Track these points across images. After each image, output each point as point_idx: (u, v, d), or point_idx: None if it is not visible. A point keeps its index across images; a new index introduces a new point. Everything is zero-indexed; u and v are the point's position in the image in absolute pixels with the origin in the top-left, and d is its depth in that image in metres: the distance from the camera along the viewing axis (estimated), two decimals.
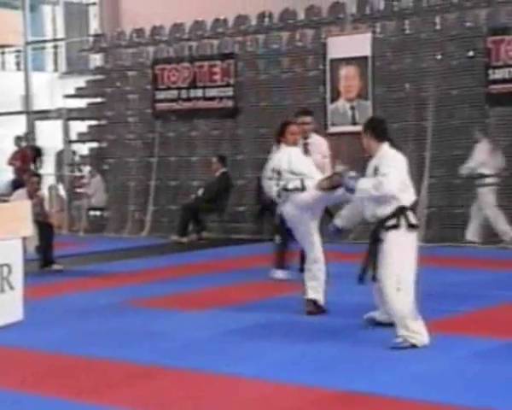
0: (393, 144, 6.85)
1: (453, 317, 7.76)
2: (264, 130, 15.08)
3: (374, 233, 6.70)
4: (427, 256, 11.36)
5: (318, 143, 9.91)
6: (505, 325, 7.47)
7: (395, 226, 6.56)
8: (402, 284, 6.47)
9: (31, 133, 18.35)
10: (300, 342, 6.91)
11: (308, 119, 9.84)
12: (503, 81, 12.71)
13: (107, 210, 17.09)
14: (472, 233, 12.75)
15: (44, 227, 11.39)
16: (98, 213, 17.53)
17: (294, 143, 8.18)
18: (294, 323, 7.59)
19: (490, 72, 12.81)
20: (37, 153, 17.63)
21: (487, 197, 12.61)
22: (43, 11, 23.98)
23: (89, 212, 17.30)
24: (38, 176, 12.33)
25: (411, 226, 6.60)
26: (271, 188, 8.03)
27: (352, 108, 14.13)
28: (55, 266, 11.48)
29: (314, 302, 7.92)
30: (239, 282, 10.12)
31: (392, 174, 6.58)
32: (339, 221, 7.59)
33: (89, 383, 5.98)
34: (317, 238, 8.05)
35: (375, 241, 6.66)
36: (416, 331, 6.52)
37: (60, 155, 18.68)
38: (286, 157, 7.96)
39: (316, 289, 7.97)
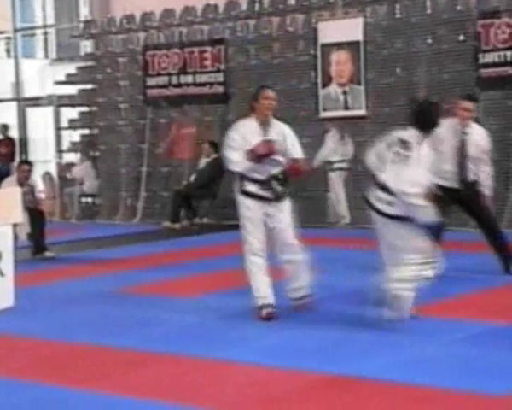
0: None
1: (446, 300, 7.77)
2: None
3: None
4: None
5: (478, 134, 8.86)
6: (498, 308, 7.49)
7: None
8: None
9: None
10: (293, 327, 6.93)
11: (470, 105, 8.79)
12: (494, 65, 12.71)
13: (99, 197, 17.08)
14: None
15: (36, 214, 11.37)
16: (90, 199, 17.51)
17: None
18: (287, 308, 7.59)
19: (480, 56, 12.81)
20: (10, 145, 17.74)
21: (335, 182, 13.78)
22: None
23: (81, 199, 17.28)
24: (29, 164, 12.30)
25: None
26: None
27: (345, 92, 14.12)
28: (47, 254, 11.48)
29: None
30: (231, 267, 10.11)
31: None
32: None
33: (82, 371, 5.98)
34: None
35: None
36: None
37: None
38: None
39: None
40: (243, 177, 7.19)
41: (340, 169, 13.84)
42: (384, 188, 6.74)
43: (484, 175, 8.83)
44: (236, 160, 7.16)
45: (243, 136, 7.23)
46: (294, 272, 7.37)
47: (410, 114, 7.05)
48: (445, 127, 8.62)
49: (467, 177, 8.74)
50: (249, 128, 7.27)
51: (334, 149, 13.79)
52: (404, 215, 6.69)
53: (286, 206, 7.30)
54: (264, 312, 7.19)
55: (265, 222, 7.23)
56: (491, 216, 9.06)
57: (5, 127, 18.20)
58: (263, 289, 7.23)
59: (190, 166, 15.54)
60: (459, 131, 8.66)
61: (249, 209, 7.19)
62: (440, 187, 8.57)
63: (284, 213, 7.27)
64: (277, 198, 7.22)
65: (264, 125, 7.29)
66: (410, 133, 6.86)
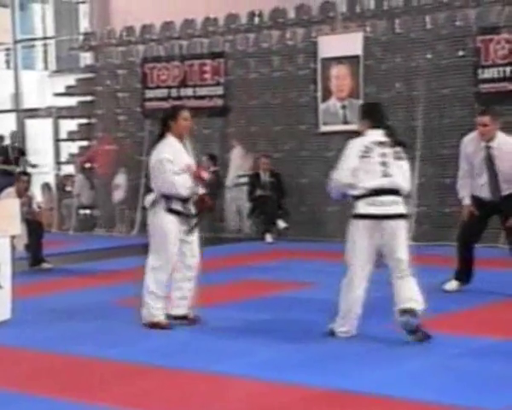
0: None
1: (445, 315, 7.76)
2: (253, 128, 15.09)
3: None
4: (416, 255, 11.38)
5: (505, 147, 8.51)
6: (498, 323, 7.48)
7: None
8: None
9: (18, 132, 18.21)
10: (289, 340, 6.91)
11: (484, 119, 8.56)
12: (493, 80, 12.74)
13: (97, 209, 17.06)
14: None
15: (33, 226, 11.35)
16: (88, 211, 17.49)
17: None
18: (283, 321, 7.58)
19: (479, 71, 12.84)
20: (19, 153, 17.64)
21: (240, 194, 14.70)
22: (33, 9, 23.90)
23: (78, 210, 17.26)
24: (28, 175, 12.29)
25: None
26: None
27: (344, 107, 14.14)
28: (45, 265, 11.46)
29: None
30: (228, 281, 10.11)
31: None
32: None
33: (79, 382, 5.96)
34: None
35: None
36: None
37: None
38: None
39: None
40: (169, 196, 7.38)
41: (243, 184, 14.63)
42: (383, 191, 6.69)
43: None
44: (183, 184, 7.37)
45: (175, 156, 7.45)
46: (190, 290, 7.56)
47: (365, 115, 7.05)
48: (470, 143, 8.69)
49: (499, 191, 8.56)
50: (177, 147, 7.52)
51: (240, 164, 14.68)
52: (406, 213, 6.84)
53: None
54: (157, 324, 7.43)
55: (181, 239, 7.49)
56: None
57: (1, 138, 18.18)
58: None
59: None
60: (483, 146, 8.54)
61: (171, 227, 7.38)
62: (478, 199, 8.63)
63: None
64: (193, 215, 7.50)
65: (181, 142, 7.57)
66: (377, 134, 6.85)
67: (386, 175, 6.70)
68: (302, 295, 9.05)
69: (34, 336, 7.44)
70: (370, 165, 6.69)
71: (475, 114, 12.85)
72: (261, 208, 14.31)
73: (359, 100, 13.90)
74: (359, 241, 6.75)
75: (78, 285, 10.22)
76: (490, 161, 8.52)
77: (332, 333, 6.89)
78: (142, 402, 5.46)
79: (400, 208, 6.78)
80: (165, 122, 7.58)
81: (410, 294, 6.72)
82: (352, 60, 13.97)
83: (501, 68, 12.69)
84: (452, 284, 8.89)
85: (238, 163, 14.74)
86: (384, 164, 6.71)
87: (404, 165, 6.88)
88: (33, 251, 11.43)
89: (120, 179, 16.21)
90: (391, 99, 13.72)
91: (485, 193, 8.63)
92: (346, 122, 14.12)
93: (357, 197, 6.74)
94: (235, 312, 8.06)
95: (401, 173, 6.79)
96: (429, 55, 13.47)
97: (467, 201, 8.72)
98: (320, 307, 7.91)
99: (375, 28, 14.15)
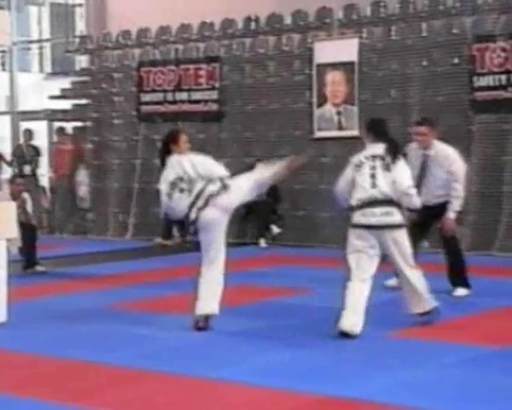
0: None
1: (442, 323, 7.76)
2: (248, 134, 15.09)
3: None
4: (418, 263, 11.38)
5: (440, 155, 8.92)
6: (494, 332, 7.49)
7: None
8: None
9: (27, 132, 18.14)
10: (288, 347, 6.91)
11: (419, 129, 9.02)
12: (488, 88, 12.76)
13: (91, 212, 17.03)
14: None
15: (27, 229, 11.33)
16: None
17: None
18: (282, 328, 7.58)
19: (474, 79, 12.87)
20: (35, 152, 17.60)
21: None
22: (29, 12, 23.89)
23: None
24: (24, 177, 12.27)
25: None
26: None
27: (339, 113, 14.16)
28: (39, 268, 11.44)
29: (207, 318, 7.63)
30: (224, 286, 10.08)
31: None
32: None
33: (73, 387, 5.95)
34: None
35: None
36: None
37: None
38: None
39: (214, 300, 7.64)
40: None
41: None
42: (375, 202, 7.18)
43: (451, 198, 8.86)
44: None
45: None
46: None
47: (367, 129, 7.63)
48: (410, 150, 9.01)
49: (431, 198, 8.87)
50: None
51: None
52: (400, 223, 7.27)
53: None
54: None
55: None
56: (452, 243, 9.15)
57: None
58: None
59: None
60: (420, 154, 8.94)
61: None
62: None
63: None
64: None
65: None
66: (376, 147, 7.38)
67: (374, 186, 7.22)
68: (297, 302, 9.05)
69: (29, 339, 7.42)
70: (362, 176, 7.27)
71: (470, 122, 13.03)
72: (255, 214, 14.31)
73: (354, 106, 13.93)
74: (354, 244, 7.26)
75: (71, 289, 10.20)
76: (426, 168, 8.89)
77: (341, 332, 7.10)
78: (136, 408, 5.45)
79: (392, 219, 7.23)
80: (167, 145, 7.79)
81: (418, 297, 7.39)
82: (347, 66, 13.98)
83: (496, 76, 12.70)
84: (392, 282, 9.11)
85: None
86: (373, 176, 7.24)
87: (397, 170, 7.29)
88: (27, 254, 11.41)
89: (81, 176, 16.41)
90: (386, 106, 13.74)
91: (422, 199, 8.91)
92: (340, 128, 14.14)
93: (353, 208, 7.28)
94: (230, 318, 8.04)
95: (387, 183, 7.23)
96: (425, 63, 13.50)
97: None
98: (314, 314, 7.93)
99: (371, 35, 14.17)
